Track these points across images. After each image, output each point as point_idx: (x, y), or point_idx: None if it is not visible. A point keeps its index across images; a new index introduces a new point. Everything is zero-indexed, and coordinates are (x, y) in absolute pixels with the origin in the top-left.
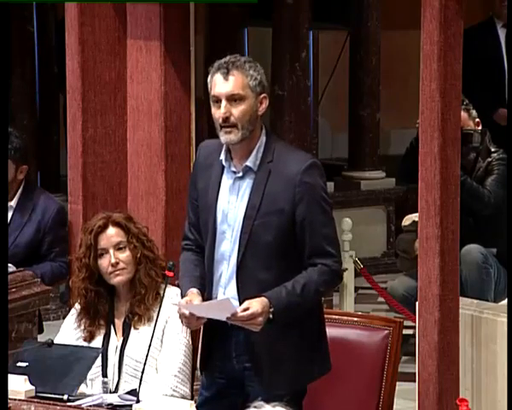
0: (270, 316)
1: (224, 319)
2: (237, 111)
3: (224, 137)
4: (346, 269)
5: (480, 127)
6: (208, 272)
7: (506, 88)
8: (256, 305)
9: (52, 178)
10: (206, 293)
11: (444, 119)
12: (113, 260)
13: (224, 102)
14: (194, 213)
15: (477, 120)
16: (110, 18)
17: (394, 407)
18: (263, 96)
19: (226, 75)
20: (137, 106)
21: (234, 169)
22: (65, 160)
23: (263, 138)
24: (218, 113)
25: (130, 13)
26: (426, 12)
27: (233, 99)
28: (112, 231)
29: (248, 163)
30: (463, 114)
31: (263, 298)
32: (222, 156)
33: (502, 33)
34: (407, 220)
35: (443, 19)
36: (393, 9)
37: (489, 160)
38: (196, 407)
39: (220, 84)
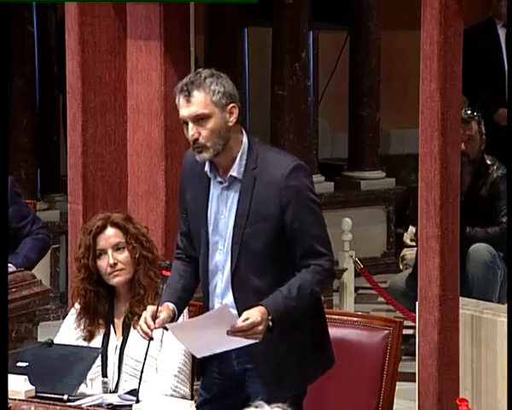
0: (270, 324)
1: (223, 331)
2: (205, 130)
3: (197, 157)
4: (346, 269)
5: (484, 145)
6: (203, 283)
7: (506, 88)
8: (255, 314)
9: (52, 178)
10: (203, 304)
11: (444, 119)
12: (111, 261)
13: (190, 125)
14: (184, 222)
15: (484, 137)
16: (110, 18)
17: (394, 407)
18: (231, 106)
19: (188, 97)
20: (137, 106)
21: (220, 179)
22: (65, 160)
23: (244, 145)
24: (187, 134)
25: (130, 13)
26: (426, 12)
27: (199, 119)
28: (110, 231)
29: (233, 173)
30: (474, 126)
31: (260, 307)
32: (206, 168)
33: (502, 33)
34: (407, 237)
35: (443, 19)
36: (393, 9)
37: (491, 179)
38: (196, 407)
39: (183, 108)
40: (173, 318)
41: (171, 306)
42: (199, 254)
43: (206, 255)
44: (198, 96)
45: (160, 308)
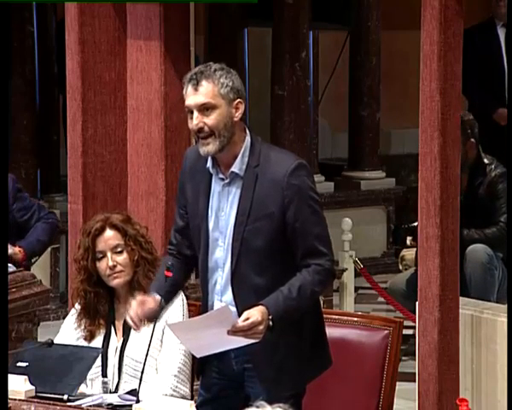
0: (270, 323)
1: (224, 331)
2: (210, 120)
3: (202, 149)
4: (346, 269)
5: (471, 151)
6: (202, 280)
7: (506, 88)
8: (255, 314)
9: (52, 178)
10: (202, 301)
11: (444, 119)
12: (110, 264)
13: (195, 114)
14: (180, 218)
15: (472, 140)
16: (110, 18)
17: (394, 407)
18: (238, 101)
19: (196, 86)
20: (137, 106)
21: (221, 176)
22: (65, 160)
23: (247, 142)
24: (191, 124)
25: (130, 13)
26: (426, 12)
27: (205, 108)
28: (109, 233)
29: (234, 169)
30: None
31: (261, 307)
32: (208, 164)
33: (501, 33)
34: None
35: (443, 19)
36: (393, 9)
37: (489, 178)
38: (196, 407)
39: (191, 96)
40: (160, 310)
41: (158, 297)
42: (198, 251)
43: (206, 252)
44: (206, 86)
45: (148, 299)
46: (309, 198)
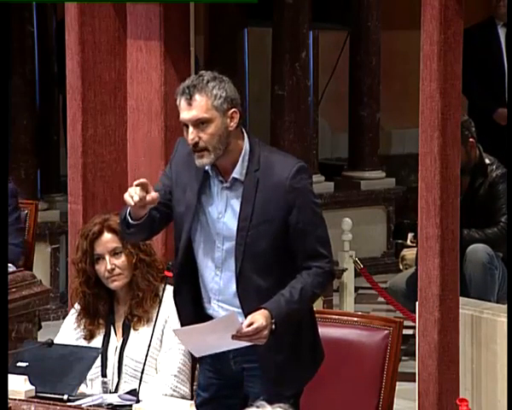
0: (273, 327)
1: (228, 335)
2: (205, 135)
3: (197, 161)
4: (346, 269)
5: (473, 150)
6: (184, 275)
7: (506, 88)
8: (259, 319)
9: (52, 178)
10: (185, 297)
11: (444, 119)
12: (108, 267)
13: (190, 128)
14: (162, 185)
15: (472, 139)
16: (110, 18)
17: (394, 407)
18: (232, 111)
19: (189, 100)
20: (137, 106)
21: (221, 179)
22: (65, 160)
23: (246, 147)
24: (187, 137)
25: (130, 13)
26: (426, 12)
27: (199, 123)
28: (107, 236)
29: (235, 175)
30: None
31: (264, 311)
32: (207, 166)
33: (502, 33)
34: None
35: (443, 19)
36: (393, 9)
37: (490, 179)
38: (195, 407)
39: (184, 111)
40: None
41: (156, 195)
42: (177, 238)
43: (197, 247)
44: (199, 99)
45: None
46: (311, 200)
